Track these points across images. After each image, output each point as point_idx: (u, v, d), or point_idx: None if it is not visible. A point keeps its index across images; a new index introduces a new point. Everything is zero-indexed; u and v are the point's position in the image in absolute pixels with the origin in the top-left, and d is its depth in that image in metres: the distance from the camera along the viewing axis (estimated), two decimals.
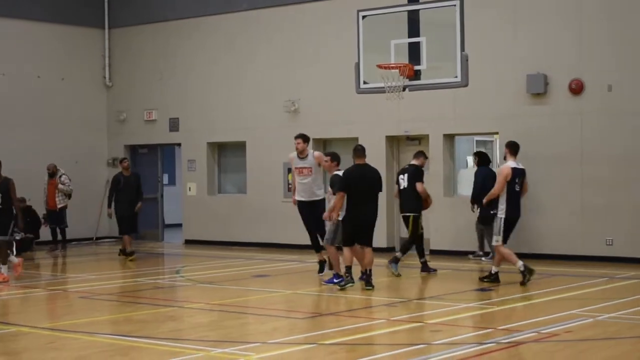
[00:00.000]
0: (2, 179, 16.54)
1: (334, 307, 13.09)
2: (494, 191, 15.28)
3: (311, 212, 16.53)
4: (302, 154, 16.58)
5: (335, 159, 15.73)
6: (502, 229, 14.99)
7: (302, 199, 16.59)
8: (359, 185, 14.56)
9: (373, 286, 14.47)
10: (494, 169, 19.19)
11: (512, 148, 15.60)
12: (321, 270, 16.73)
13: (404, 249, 16.95)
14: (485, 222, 18.55)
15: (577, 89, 18.98)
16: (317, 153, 16.82)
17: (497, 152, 24.95)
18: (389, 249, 20.85)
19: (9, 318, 12.79)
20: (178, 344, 10.35)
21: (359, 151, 15.11)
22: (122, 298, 14.75)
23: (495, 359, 9.27)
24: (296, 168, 16.67)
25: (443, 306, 12.89)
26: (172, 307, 13.38)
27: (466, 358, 9.22)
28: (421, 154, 17.44)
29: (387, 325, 11.50)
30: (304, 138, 16.64)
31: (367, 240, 14.68)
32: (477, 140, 24.38)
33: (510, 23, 19.88)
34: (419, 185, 16.77)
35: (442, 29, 16.40)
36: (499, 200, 15.14)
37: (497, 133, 20.69)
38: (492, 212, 15.95)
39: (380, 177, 15.10)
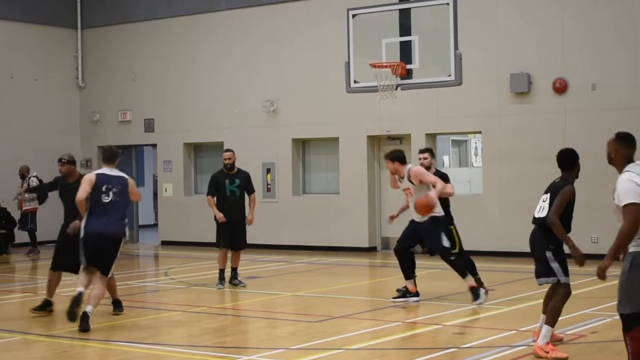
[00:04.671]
0: None
1: (342, 309, 12.86)
2: None
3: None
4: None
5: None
6: None
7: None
8: None
9: None
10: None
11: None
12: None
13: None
14: None
15: (560, 87, 19.09)
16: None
17: (471, 151, 25.07)
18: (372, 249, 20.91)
19: (9, 325, 12.13)
20: (197, 351, 10.14)
21: None
22: None
23: None
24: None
25: (452, 307, 12.80)
26: (175, 312, 13.09)
27: None
28: None
29: (406, 328, 11.38)
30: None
31: None
32: (452, 140, 24.45)
33: (494, 22, 19.94)
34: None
35: (433, 28, 16.34)
36: None
37: (480, 132, 20.69)
38: None
39: None
